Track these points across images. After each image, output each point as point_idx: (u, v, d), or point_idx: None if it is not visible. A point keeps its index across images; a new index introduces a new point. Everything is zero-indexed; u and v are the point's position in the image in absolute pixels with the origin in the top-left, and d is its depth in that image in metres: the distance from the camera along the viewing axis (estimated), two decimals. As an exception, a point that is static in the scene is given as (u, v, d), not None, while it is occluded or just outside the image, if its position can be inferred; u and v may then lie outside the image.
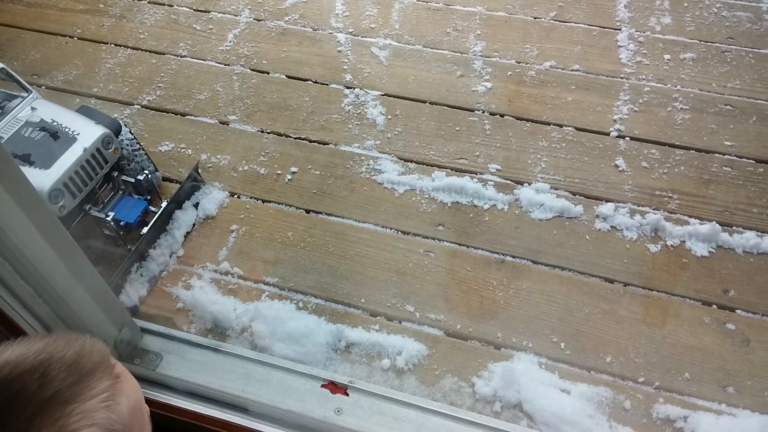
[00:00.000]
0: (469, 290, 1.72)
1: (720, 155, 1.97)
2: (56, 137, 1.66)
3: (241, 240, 1.84)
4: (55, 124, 1.69)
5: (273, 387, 1.42)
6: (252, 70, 2.35)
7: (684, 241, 1.78)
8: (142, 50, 2.45)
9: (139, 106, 2.24)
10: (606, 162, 1.98)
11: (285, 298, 1.72)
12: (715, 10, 2.42)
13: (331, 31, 2.47)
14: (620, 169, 1.96)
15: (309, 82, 2.29)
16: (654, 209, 1.85)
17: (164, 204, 1.82)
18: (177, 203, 1.88)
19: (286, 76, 2.32)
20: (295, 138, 2.12)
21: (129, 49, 2.46)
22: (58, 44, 2.49)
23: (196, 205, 1.92)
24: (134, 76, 2.36)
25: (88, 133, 1.69)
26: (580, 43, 2.34)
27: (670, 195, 1.89)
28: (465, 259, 1.78)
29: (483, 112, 2.14)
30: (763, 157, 1.95)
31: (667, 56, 2.26)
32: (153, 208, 1.80)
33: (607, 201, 1.88)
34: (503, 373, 1.53)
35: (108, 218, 1.69)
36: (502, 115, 2.13)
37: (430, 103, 2.19)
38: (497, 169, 1.98)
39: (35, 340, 0.70)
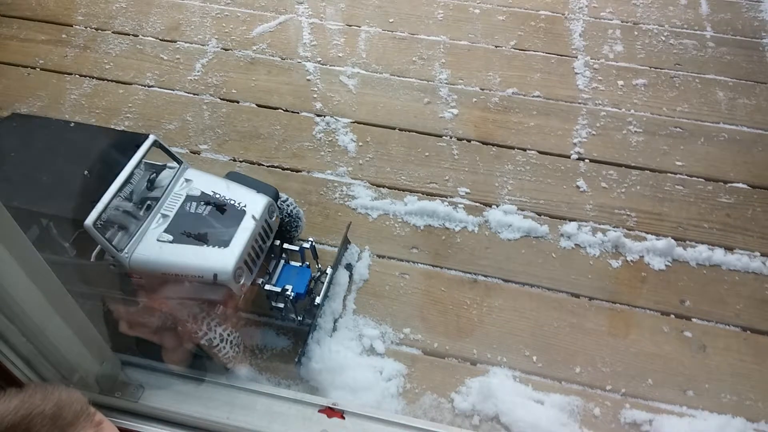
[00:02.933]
0: (444, 310, 1.78)
1: (672, 175, 2.10)
2: (223, 211, 1.54)
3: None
4: (217, 196, 1.57)
5: (258, 413, 1.45)
6: (221, 99, 2.38)
7: (642, 256, 1.89)
8: (108, 80, 2.45)
9: (108, 137, 2.25)
10: (568, 183, 2.08)
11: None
12: (663, 38, 2.58)
13: (299, 60, 2.52)
14: (581, 189, 2.06)
15: (279, 110, 2.34)
16: (614, 227, 1.96)
17: (329, 270, 1.71)
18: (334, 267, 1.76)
19: (256, 104, 2.36)
20: (267, 166, 2.15)
21: (94, 80, 2.46)
22: (20, 75, 2.47)
23: (348, 267, 1.84)
24: (101, 107, 2.36)
25: (254, 204, 1.56)
26: (540, 71, 2.46)
27: (628, 213, 2.00)
28: (439, 280, 1.84)
29: (451, 137, 2.23)
30: (712, 175, 2.09)
31: (620, 82, 2.40)
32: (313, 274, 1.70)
33: (571, 220, 1.97)
34: (480, 388, 1.60)
35: (288, 292, 1.56)
36: (468, 140, 2.22)
37: (399, 129, 2.26)
38: (466, 192, 2.06)
39: (11, 396, 0.69)
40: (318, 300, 1.62)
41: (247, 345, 1.60)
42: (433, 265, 1.87)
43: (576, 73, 2.44)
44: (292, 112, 2.33)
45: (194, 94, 2.40)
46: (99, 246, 1.46)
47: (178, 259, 1.45)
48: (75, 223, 1.43)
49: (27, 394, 0.70)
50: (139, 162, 1.54)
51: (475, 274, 1.85)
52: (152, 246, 1.46)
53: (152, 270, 1.46)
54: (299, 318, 1.65)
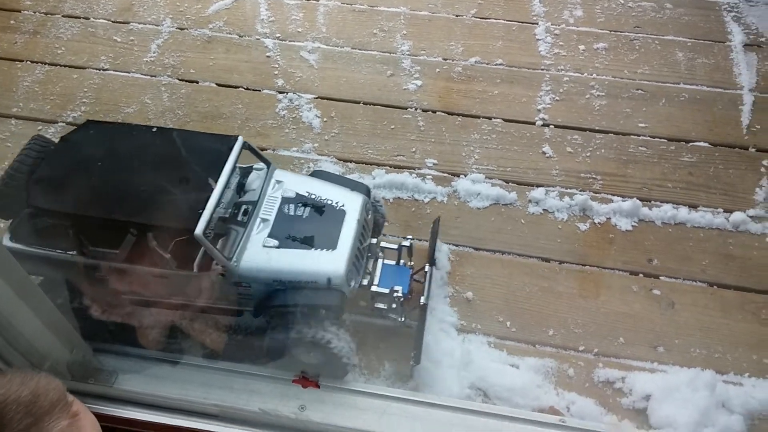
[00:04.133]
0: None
1: (635, 136, 2.13)
2: (321, 212, 1.49)
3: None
4: (313, 197, 1.51)
5: (236, 392, 1.44)
6: (180, 80, 2.33)
7: (609, 218, 1.92)
8: (61, 66, 2.38)
9: (64, 124, 2.18)
10: (534, 149, 2.09)
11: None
12: (622, 1, 2.60)
13: (258, 37, 2.47)
14: (547, 155, 2.07)
15: (240, 89, 2.30)
16: (580, 190, 1.98)
17: (428, 268, 1.63)
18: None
19: (216, 84, 2.31)
20: (231, 146, 2.12)
21: (47, 66, 2.38)
22: (-32, 65, 2.38)
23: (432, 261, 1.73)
24: (55, 93, 2.29)
25: (351, 203, 1.51)
26: (501, 38, 2.46)
27: (594, 176, 2.02)
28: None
29: (415, 109, 2.22)
30: (674, 135, 2.12)
31: (581, 47, 2.41)
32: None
33: (538, 186, 1.99)
34: (456, 356, 1.61)
35: (397, 293, 1.50)
36: (434, 111, 2.21)
37: (363, 103, 2.24)
38: (434, 164, 2.05)
39: None
40: (423, 300, 1.56)
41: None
42: (404, 237, 1.86)
43: (537, 40, 2.45)
44: (254, 90, 2.29)
45: (151, 76, 2.34)
46: (200, 255, 1.38)
47: (287, 264, 1.40)
48: (174, 232, 1.36)
49: (6, 379, 0.70)
50: (234, 166, 1.45)
51: (446, 244, 1.86)
52: (259, 252, 1.40)
53: (262, 277, 1.39)
54: (402, 318, 1.59)
